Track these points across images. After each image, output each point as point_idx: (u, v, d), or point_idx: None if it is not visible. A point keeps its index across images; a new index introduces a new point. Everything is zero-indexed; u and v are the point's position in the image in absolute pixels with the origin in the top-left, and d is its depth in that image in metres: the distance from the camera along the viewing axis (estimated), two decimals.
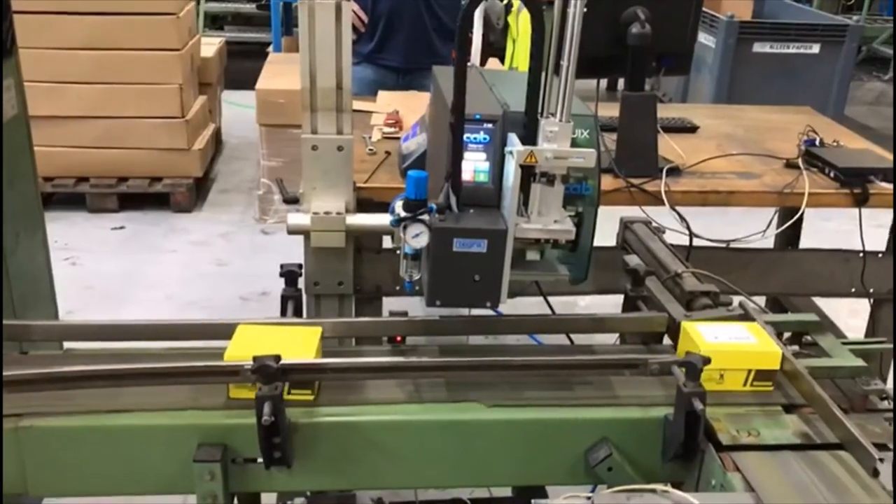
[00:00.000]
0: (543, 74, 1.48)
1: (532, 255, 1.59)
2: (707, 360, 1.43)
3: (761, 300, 2.78)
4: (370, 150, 2.58)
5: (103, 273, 4.13)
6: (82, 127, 4.64)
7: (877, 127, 7.22)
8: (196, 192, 4.99)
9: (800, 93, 5.72)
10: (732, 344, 1.56)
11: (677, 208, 2.37)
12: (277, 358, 1.41)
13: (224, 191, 5.27)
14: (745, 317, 1.71)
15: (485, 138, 1.52)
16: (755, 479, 1.33)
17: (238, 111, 6.20)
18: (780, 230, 2.68)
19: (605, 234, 2.07)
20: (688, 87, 6.45)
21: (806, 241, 3.13)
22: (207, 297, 3.91)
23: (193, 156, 4.86)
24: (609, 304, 2.32)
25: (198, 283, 4.08)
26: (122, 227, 4.67)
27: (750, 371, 1.55)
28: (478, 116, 1.51)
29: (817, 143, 2.65)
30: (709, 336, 1.58)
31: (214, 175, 5.45)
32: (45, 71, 4.41)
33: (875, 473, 1.31)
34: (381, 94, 3.17)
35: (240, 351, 1.50)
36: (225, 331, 1.70)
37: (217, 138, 5.75)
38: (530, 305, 2.13)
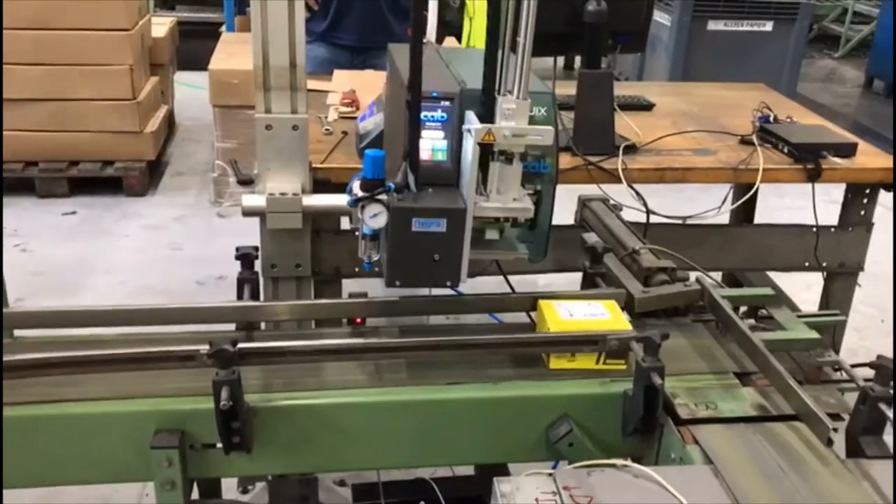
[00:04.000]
0: (500, 51, 1.47)
1: (491, 234, 1.58)
2: (666, 336, 1.45)
3: (718, 275, 2.81)
4: (326, 130, 2.54)
5: (54, 259, 4.04)
6: (29, 109, 4.50)
7: (828, 104, 7.34)
8: (149, 176, 4.88)
9: (753, 70, 5.79)
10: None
11: (634, 185, 2.38)
12: (234, 342, 1.39)
13: (178, 174, 5.17)
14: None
15: (442, 116, 1.50)
16: (713, 452, 1.35)
17: (191, 92, 6.08)
18: (735, 206, 2.71)
19: (564, 212, 2.07)
20: (644, 66, 6.48)
21: (760, 218, 3.17)
22: (162, 282, 3.84)
23: (146, 138, 4.76)
24: (569, 282, 2.33)
25: (152, 268, 4.01)
26: (73, 213, 4.57)
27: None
28: (435, 94, 1.49)
29: (771, 119, 2.67)
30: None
31: (168, 158, 5.35)
32: None
33: (829, 443, 1.34)
34: (337, 73, 3.12)
35: (559, 325, 1.56)
36: (180, 315, 1.68)
37: (170, 120, 5.63)
38: (491, 285, 2.13)
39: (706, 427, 1.42)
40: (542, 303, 1.64)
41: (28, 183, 4.65)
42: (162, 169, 5.17)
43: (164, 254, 4.18)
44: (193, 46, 6.02)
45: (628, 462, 1.32)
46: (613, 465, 1.31)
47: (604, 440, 1.53)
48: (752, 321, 1.75)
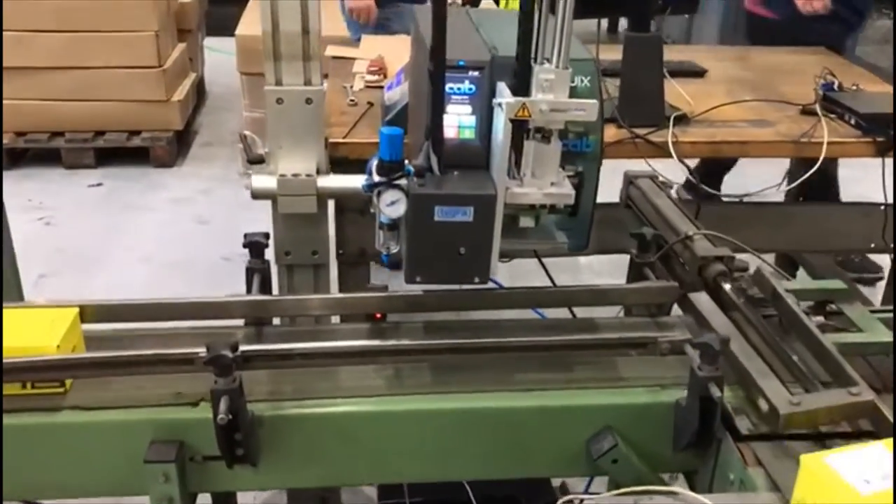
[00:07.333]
0: (537, 13, 1.28)
1: (526, 222, 1.42)
2: (726, 342, 1.27)
3: (769, 257, 2.61)
4: (351, 100, 2.38)
5: (78, 233, 3.96)
6: (53, 78, 4.42)
7: (886, 67, 6.97)
8: (177, 146, 4.79)
9: None
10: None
11: (686, 160, 2.18)
12: (234, 346, 1.24)
13: (207, 144, 5.07)
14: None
15: (470, 88, 1.35)
16: (780, 476, 1.18)
17: (221, 58, 5.93)
18: (798, 182, 2.49)
19: (608, 188, 1.89)
20: (691, 29, 6.22)
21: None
22: (187, 258, 3.73)
23: (173, 107, 4.65)
24: (614, 266, 2.15)
25: (177, 242, 3.91)
26: (99, 185, 4.48)
27: None
28: (461, 63, 1.34)
29: (835, 87, 2.46)
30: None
31: (197, 127, 5.25)
32: (8, 19, 4.16)
33: None
34: (365, 38, 2.95)
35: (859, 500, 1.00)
36: (186, 311, 1.54)
37: (199, 88, 5.53)
38: (528, 268, 1.95)
39: (771, 445, 1.25)
40: (806, 458, 1.03)
41: (54, 154, 4.58)
42: (190, 139, 5.07)
43: (190, 228, 4.08)
44: (224, 10, 5.86)
45: (678, 489, 1.16)
46: (662, 493, 1.15)
47: (651, 453, 1.37)
48: (820, 318, 1.56)
